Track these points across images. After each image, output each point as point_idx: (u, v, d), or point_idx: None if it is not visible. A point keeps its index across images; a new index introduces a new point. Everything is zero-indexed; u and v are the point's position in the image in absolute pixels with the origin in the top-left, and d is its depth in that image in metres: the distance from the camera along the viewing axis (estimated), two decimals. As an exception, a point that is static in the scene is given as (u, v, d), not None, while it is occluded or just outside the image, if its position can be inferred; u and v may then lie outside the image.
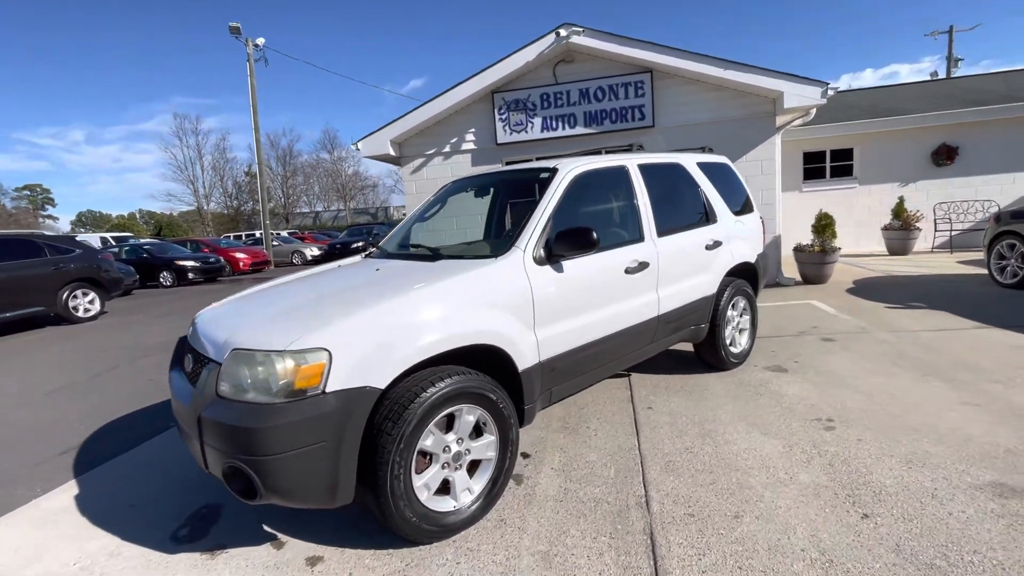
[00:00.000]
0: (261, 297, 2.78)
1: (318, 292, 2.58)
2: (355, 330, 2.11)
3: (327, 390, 1.98)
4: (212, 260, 16.72)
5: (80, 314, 9.53)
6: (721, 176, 4.46)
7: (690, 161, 4.12)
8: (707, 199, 4.10)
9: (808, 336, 5.13)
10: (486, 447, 2.49)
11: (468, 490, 2.43)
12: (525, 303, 2.63)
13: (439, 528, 2.29)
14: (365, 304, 2.23)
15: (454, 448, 2.36)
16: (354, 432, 2.02)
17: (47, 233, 10.25)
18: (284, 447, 1.93)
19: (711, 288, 3.96)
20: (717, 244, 4.00)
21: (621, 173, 3.52)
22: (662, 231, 3.58)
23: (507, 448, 2.53)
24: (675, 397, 3.81)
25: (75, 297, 9.48)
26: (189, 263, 15.97)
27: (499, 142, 8.37)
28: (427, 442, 2.24)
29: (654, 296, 3.44)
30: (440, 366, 2.39)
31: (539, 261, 2.74)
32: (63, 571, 2.32)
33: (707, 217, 4.07)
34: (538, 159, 4.55)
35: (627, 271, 3.20)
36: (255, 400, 1.98)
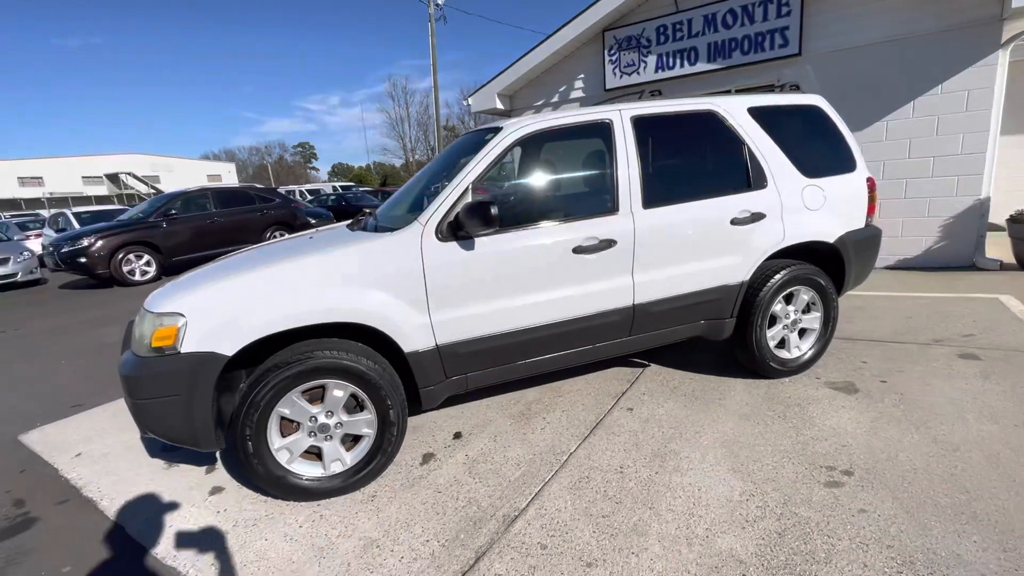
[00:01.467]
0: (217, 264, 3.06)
1: (236, 260, 2.79)
2: (210, 299, 2.25)
3: (181, 351, 2.19)
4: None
5: (277, 250, 12.06)
6: (795, 125, 3.33)
7: (735, 107, 3.14)
8: (754, 157, 3.11)
9: (942, 348, 3.66)
10: (363, 423, 2.47)
11: (339, 461, 2.47)
12: (414, 283, 2.44)
13: (298, 490, 2.40)
14: (230, 276, 2.35)
15: (321, 419, 2.40)
16: (203, 390, 2.21)
17: (257, 186, 13.03)
18: (146, 394, 2.22)
19: (739, 273, 3.08)
20: (755, 217, 3.05)
21: (600, 130, 2.89)
22: (654, 200, 2.88)
23: (385, 428, 2.47)
24: (673, 401, 3.17)
25: (274, 236, 11.98)
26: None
27: (608, 87, 7.54)
28: (286, 410, 2.33)
29: (626, 281, 2.83)
30: (319, 338, 2.43)
31: (443, 237, 2.49)
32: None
33: (748, 182, 3.11)
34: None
35: (577, 250, 2.69)
36: (135, 353, 2.30)
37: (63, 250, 9.16)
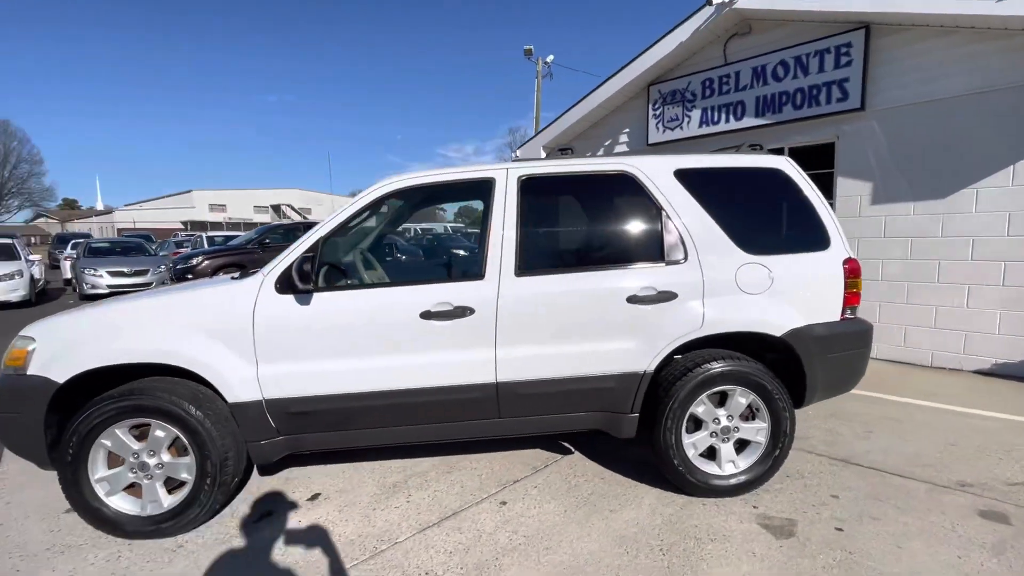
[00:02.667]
0: None
1: (131, 296, 2.96)
2: (58, 329, 2.44)
3: (27, 372, 2.39)
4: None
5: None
6: (745, 191, 2.81)
7: (658, 169, 2.72)
8: (671, 226, 2.65)
9: (962, 495, 2.68)
10: (183, 467, 2.45)
11: (157, 503, 2.45)
12: (241, 333, 2.42)
13: (109, 523, 2.41)
14: (86, 309, 2.53)
15: (143, 458, 2.43)
16: (34, 412, 2.37)
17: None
18: (1, 408, 2.44)
19: (639, 361, 2.59)
20: (663, 296, 2.56)
21: (481, 189, 2.67)
22: (533, 268, 2.57)
23: (204, 476, 2.42)
24: (558, 502, 2.70)
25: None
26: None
27: (650, 142, 7.13)
28: (108, 442, 2.40)
29: (487, 355, 2.52)
30: (162, 377, 2.50)
31: (280, 290, 2.45)
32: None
33: (661, 254, 2.64)
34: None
35: (426, 315, 2.46)
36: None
37: (177, 267, 10.86)
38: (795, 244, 2.76)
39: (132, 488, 2.48)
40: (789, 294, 2.67)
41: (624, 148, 7.58)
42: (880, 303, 5.37)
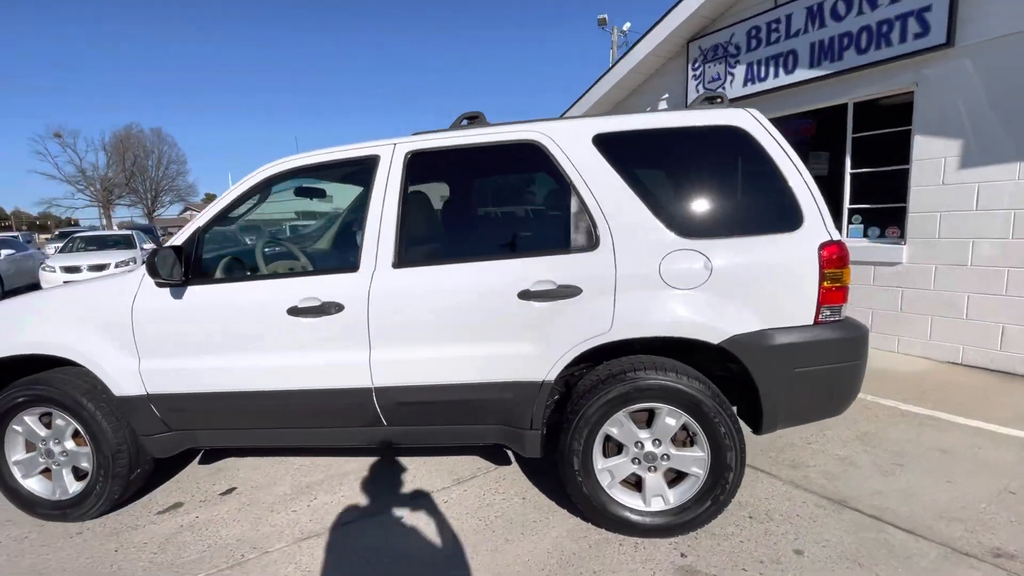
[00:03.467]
0: None
1: None
2: None
3: None
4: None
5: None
6: (689, 157, 2.21)
7: (574, 135, 2.21)
8: (583, 206, 2.15)
9: (996, 569, 1.91)
10: (84, 457, 2.49)
11: (62, 489, 2.53)
12: (123, 327, 2.37)
13: (29, 503, 2.53)
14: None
15: (50, 446, 2.51)
16: None
17: None
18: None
19: (536, 369, 2.15)
20: (564, 291, 2.09)
21: (365, 168, 2.36)
22: (415, 259, 2.23)
23: (100, 467, 2.44)
24: (456, 522, 2.38)
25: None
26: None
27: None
28: (19, 428, 2.50)
29: (361, 357, 2.24)
30: (69, 368, 2.56)
31: (160, 283, 2.36)
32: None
33: (567, 241, 2.16)
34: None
35: (293, 312, 2.24)
36: None
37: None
38: (750, 224, 2.12)
39: (47, 472, 2.58)
40: (735, 289, 2.06)
41: (663, 117, 6.75)
42: (968, 294, 4.21)
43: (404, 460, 3.02)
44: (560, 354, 2.12)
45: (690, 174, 2.26)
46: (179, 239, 2.37)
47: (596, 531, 2.26)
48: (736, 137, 2.16)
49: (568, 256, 2.14)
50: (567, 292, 2.10)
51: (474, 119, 2.39)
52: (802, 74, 5.05)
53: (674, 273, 2.06)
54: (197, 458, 3.18)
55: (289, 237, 2.68)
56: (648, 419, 2.15)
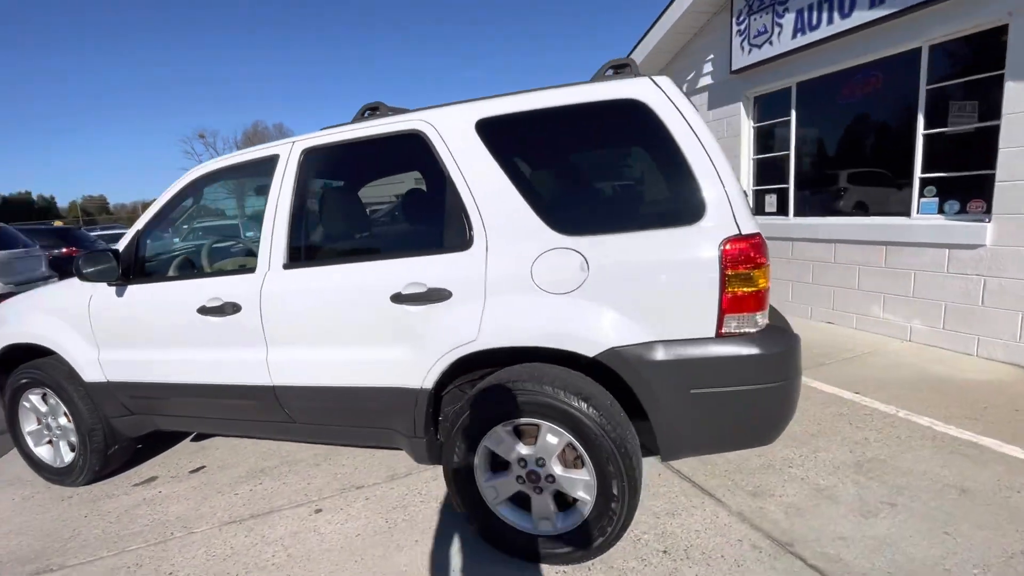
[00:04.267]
0: None
1: None
2: None
3: None
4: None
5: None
6: (581, 140, 1.91)
7: (456, 123, 2.00)
8: (458, 200, 1.95)
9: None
10: (72, 432, 2.86)
11: (60, 459, 2.93)
12: (83, 320, 2.65)
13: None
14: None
15: (48, 420, 2.91)
16: None
17: None
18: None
19: (413, 376, 2.03)
20: (434, 295, 1.94)
21: (268, 168, 2.35)
22: (304, 259, 2.21)
23: (82, 442, 2.79)
24: (359, 522, 2.37)
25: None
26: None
27: (734, 68, 5.45)
28: (27, 404, 2.93)
29: (260, 356, 2.28)
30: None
31: (111, 280, 2.59)
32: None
33: (441, 240, 1.98)
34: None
35: (202, 311, 2.33)
36: None
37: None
38: (643, 216, 1.80)
39: (51, 443, 3.01)
40: (617, 293, 1.75)
41: (708, 80, 6.00)
42: (1071, 287, 3.26)
43: (357, 451, 3.08)
44: (432, 362, 1.98)
45: (579, 160, 1.96)
46: (122, 243, 2.58)
47: (488, 551, 2.12)
48: (635, 113, 1.81)
49: (441, 256, 1.97)
50: (437, 295, 1.94)
51: (375, 110, 2.28)
52: (863, 16, 4.16)
53: (546, 275, 1.81)
54: (190, 436, 3.52)
55: (224, 237, 2.79)
56: (537, 436, 1.94)
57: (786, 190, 5.33)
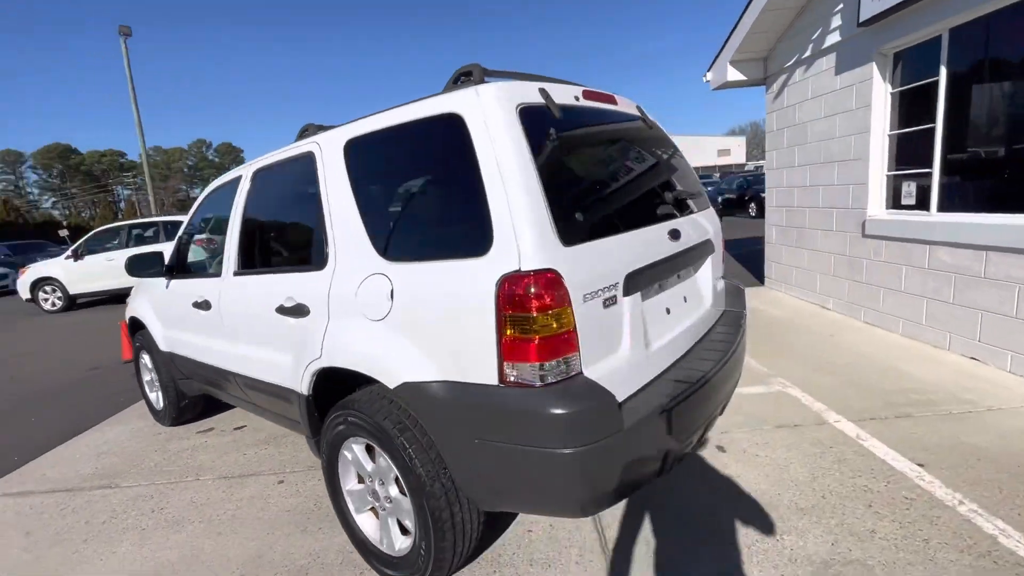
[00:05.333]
0: None
1: None
2: None
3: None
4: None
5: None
6: (413, 160, 1.83)
7: (333, 143, 2.06)
8: (321, 220, 2.02)
9: None
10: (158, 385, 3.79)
11: (160, 404, 3.91)
12: (156, 303, 3.46)
13: (148, 410, 4.03)
14: None
15: (151, 376, 3.90)
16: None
17: None
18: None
19: (294, 380, 2.21)
20: (299, 310, 2.07)
21: (233, 188, 2.72)
22: (244, 267, 2.56)
23: (163, 394, 3.70)
24: (296, 499, 2.69)
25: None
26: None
27: (861, 19, 4.18)
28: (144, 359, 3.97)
29: (224, 347, 2.73)
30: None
31: (159, 276, 3.35)
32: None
33: (310, 257, 2.07)
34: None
35: (195, 304, 2.87)
36: None
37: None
38: (443, 244, 1.63)
39: (154, 392, 4.02)
40: (414, 325, 1.65)
41: (836, 37, 4.74)
42: None
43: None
44: (301, 371, 2.13)
45: (402, 180, 1.84)
46: (171, 247, 3.30)
47: (336, 553, 2.22)
48: (454, 129, 1.65)
49: (306, 274, 2.09)
50: (300, 311, 2.08)
51: (305, 131, 2.48)
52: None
53: (366, 299, 1.79)
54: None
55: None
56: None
57: (928, 176, 4.00)
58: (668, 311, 1.99)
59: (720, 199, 16.74)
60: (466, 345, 1.55)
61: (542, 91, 1.74)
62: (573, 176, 1.74)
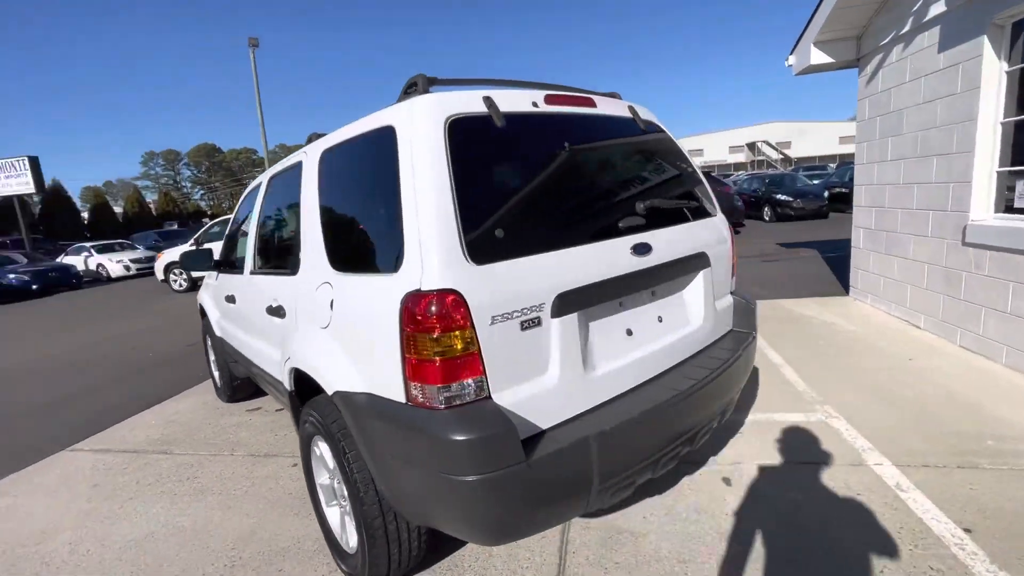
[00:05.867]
0: None
1: None
2: None
3: None
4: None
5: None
6: (362, 172, 1.85)
7: (313, 153, 2.15)
8: (299, 226, 2.13)
9: None
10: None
11: (217, 383, 4.39)
12: (211, 293, 3.88)
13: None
14: None
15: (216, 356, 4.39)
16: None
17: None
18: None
19: (281, 374, 2.35)
20: (278, 311, 2.21)
21: (256, 192, 2.95)
22: (256, 268, 2.77)
23: (219, 374, 4.16)
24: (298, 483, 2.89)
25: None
26: (788, 198, 14.22)
27: None
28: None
29: (244, 337, 2.99)
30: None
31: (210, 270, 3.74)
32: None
33: (290, 262, 2.19)
34: None
35: (226, 299, 3.17)
36: None
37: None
38: (372, 257, 1.63)
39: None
40: (345, 336, 1.68)
41: (941, 7, 3.99)
42: None
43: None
44: (284, 368, 2.26)
45: (352, 191, 1.85)
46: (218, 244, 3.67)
47: (313, 541, 2.33)
48: (386, 142, 1.64)
49: (285, 278, 2.21)
50: (280, 312, 2.21)
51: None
52: None
53: (316, 307, 1.86)
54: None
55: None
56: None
57: (1048, 174, 3.25)
58: (630, 332, 1.83)
59: (827, 193, 14.99)
60: (382, 360, 1.56)
61: (487, 100, 1.68)
62: (503, 190, 1.65)
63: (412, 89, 1.75)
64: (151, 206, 44.85)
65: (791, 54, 5.87)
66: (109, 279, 17.38)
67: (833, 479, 2.46)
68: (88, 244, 18.73)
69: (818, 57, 5.41)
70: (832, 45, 5.34)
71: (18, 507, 2.96)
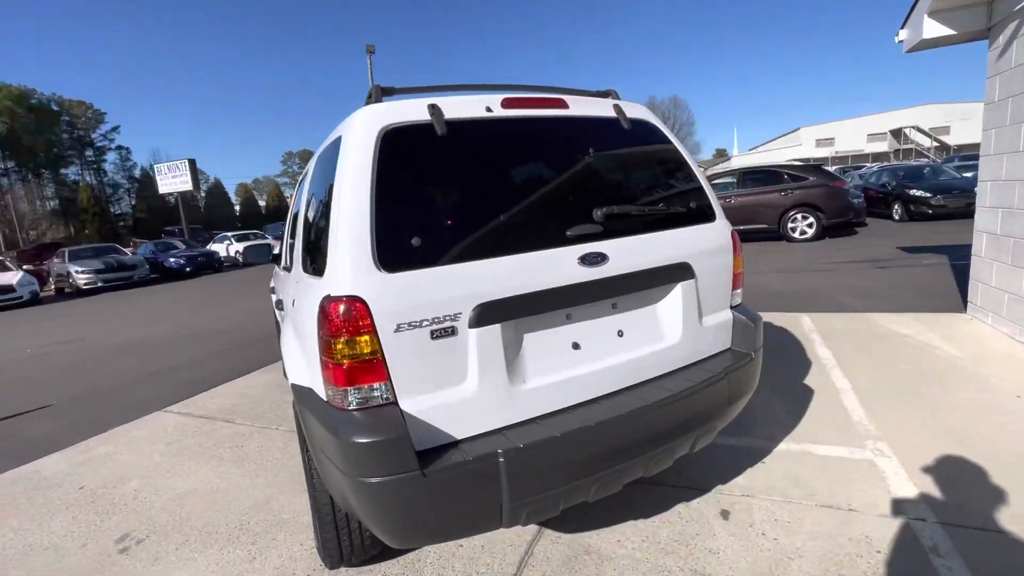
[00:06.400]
0: None
1: None
2: None
3: None
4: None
5: (796, 235, 11.02)
6: (323, 176, 1.97)
7: (314, 159, 2.32)
8: (295, 228, 2.31)
9: None
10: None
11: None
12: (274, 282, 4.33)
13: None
14: None
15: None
16: None
17: (795, 164, 11.82)
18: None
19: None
20: (279, 305, 2.40)
21: (301, 186, 3.21)
22: (281, 264, 3.04)
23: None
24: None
25: (794, 220, 10.99)
26: (925, 194, 11.91)
27: None
28: (280, 327, 5.02)
29: (290, 337, 3.28)
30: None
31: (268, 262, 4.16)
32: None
33: (289, 257, 2.38)
34: None
35: (271, 290, 3.51)
36: None
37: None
38: (313, 260, 1.73)
39: (289, 352, 5.04)
40: (299, 332, 1.81)
41: (1090, -40, 3.14)
42: None
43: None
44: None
45: (316, 197, 1.94)
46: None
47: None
48: (334, 153, 1.74)
49: (286, 274, 2.42)
50: (280, 305, 2.42)
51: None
52: None
53: (289, 303, 2.02)
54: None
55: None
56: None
57: None
58: (576, 346, 1.74)
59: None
60: (311, 359, 1.66)
61: (432, 107, 1.69)
62: (431, 199, 1.65)
63: (369, 100, 1.82)
64: (288, 200, 51.13)
65: (902, 27, 5.03)
66: (245, 264, 20.12)
67: (853, 529, 2.12)
68: (229, 233, 21.75)
69: (934, 29, 4.57)
70: (952, 14, 4.48)
71: (113, 455, 3.59)
